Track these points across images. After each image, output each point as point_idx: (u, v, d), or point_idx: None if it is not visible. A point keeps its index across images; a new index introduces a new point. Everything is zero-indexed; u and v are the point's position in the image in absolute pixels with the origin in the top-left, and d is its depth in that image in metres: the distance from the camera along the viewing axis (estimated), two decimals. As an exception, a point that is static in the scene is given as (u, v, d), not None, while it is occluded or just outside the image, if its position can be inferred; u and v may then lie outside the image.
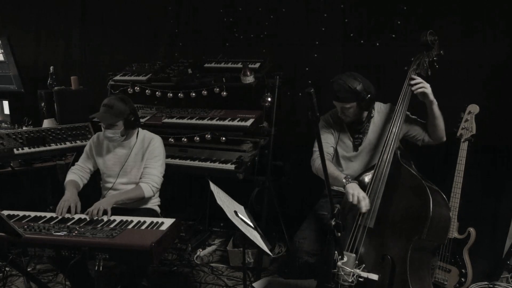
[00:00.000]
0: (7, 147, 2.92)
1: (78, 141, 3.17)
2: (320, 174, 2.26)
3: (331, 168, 2.27)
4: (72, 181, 2.53)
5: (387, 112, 2.35)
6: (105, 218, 2.21)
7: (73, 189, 2.44)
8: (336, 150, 2.44)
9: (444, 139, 2.27)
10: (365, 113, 2.34)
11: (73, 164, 3.22)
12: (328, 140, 2.43)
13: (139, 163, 2.54)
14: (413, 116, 2.34)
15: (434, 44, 2.17)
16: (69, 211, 2.27)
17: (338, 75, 2.26)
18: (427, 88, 2.10)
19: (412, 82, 2.12)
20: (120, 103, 2.45)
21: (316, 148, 2.41)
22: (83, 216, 2.25)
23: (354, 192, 2.03)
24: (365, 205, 1.99)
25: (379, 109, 2.39)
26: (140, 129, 2.65)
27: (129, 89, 3.29)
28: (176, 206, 3.50)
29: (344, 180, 2.13)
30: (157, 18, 3.71)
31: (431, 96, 2.11)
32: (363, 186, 2.12)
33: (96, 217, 2.20)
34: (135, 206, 2.55)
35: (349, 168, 2.41)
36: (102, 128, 2.48)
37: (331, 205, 1.73)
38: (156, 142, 2.58)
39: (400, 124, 2.10)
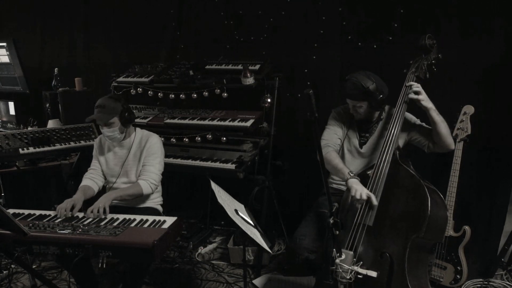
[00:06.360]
0: (13, 147, 2.95)
1: (82, 141, 3.20)
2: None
3: (337, 160, 2.29)
4: (83, 186, 2.56)
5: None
6: (108, 217, 2.25)
7: (79, 193, 2.46)
8: (342, 145, 2.46)
9: (452, 147, 2.24)
10: (376, 113, 2.35)
11: (76, 164, 3.28)
12: (337, 131, 2.44)
13: (138, 162, 2.57)
14: (420, 123, 2.33)
15: (432, 48, 2.18)
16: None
17: (353, 73, 2.25)
18: (422, 94, 2.12)
19: (408, 84, 2.16)
20: (111, 100, 2.49)
21: (324, 137, 2.43)
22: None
23: (358, 187, 2.03)
24: (373, 200, 1.98)
25: (389, 111, 2.39)
26: (138, 129, 2.69)
27: (131, 90, 3.33)
28: (178, 204, 3.54)
29: (347, 175, 2.13)
30: (159, 20, 3.74)
31: (425, 102, 2.12)
32: (363, 182, 2.11)
33: (97, 216, 2.24)
34: (138, 204, 2.59)
35: (351, 164, 2.42)
36: (101, 129, 2.52)
37: (330, 204, 1.77)
38: (153, 140, 2.60)
39: (398, 126, 2.11)
